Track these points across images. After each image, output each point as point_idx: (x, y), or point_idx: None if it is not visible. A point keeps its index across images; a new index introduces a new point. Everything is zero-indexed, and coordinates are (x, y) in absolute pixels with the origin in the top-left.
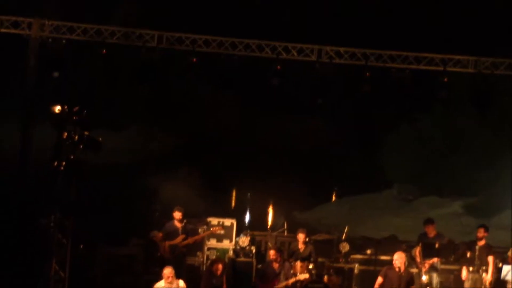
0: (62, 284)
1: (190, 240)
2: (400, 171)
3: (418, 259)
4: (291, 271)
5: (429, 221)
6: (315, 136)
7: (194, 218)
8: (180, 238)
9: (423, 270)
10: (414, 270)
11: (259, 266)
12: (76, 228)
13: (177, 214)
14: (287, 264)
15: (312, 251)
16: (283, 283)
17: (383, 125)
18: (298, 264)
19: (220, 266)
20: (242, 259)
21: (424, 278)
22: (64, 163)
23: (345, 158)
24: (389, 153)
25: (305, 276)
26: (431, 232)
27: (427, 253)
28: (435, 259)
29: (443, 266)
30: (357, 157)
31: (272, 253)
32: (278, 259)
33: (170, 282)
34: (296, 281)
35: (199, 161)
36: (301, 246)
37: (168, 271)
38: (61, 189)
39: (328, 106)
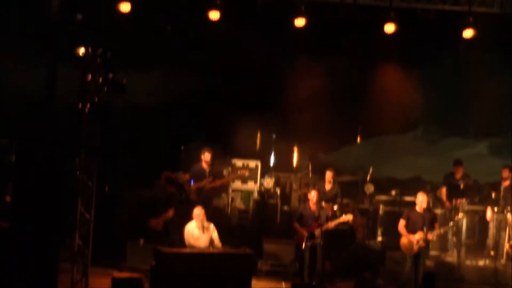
0: (87, 226)
1: (217, 182)
2: (424, 111)
3: (444, 200)
4: (331, 213)
5: (458, 162)
6: (338, 77)
7: (219, 159)
8: (207, 180)
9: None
10: (438, 211)
11: (285, 207)
12: (101, 170)
13: (207, 156)
14: (325, 206)
15: (338, 192)
16: (325, 226)
17: (407, 65)
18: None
19: None
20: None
21: (460, 215)
22: (88, 105)
23: (369, 99)
24: (414, 94)
25: (349, 217)
26: (459, 173)
27: (453, 193)
28: (462, 200)
29: (468, 207)
30: (381, 98)
31: (314, 194)
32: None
33: (202, 220)
34: (339, 224)
35: (223, 103)
36: (327, 186)
37: (198, 211)
38: (86, 132)
39: (352, 47)
